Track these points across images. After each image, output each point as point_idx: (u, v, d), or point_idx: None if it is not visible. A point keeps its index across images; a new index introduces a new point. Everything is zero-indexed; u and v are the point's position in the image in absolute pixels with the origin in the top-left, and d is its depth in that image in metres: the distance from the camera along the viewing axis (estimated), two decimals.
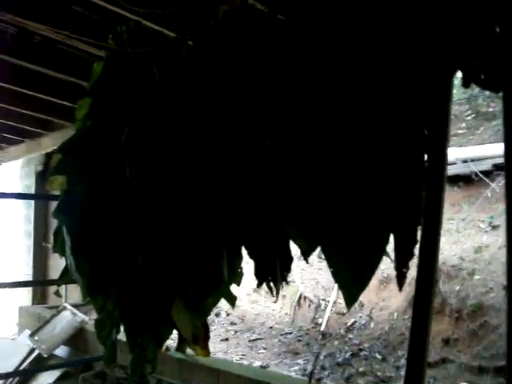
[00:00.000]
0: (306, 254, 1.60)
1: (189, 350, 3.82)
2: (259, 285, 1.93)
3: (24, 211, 9.32)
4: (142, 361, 2.16)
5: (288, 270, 1.89)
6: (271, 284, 1.90)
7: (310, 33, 1.66)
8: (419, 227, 1.48)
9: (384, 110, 1.52)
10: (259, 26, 2.15)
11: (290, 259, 1.89)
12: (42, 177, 2.24)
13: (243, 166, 1.81)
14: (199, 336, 2.19)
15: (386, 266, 6.07)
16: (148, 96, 2.25)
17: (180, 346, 2.26)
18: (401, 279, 1.50)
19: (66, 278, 2.50)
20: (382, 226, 1.53)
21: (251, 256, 1.93)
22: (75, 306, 6.62)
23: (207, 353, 2.24)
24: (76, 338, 5.81)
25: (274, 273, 1.88)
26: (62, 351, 5.88)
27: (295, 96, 1.62)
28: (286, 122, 1.60)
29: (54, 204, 8.26)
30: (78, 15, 4.09)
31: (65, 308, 6.39)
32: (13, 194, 8.06)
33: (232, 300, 2.29)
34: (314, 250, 1.59)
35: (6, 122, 7.44)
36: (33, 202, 8.82)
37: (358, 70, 1.59)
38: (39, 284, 8.58)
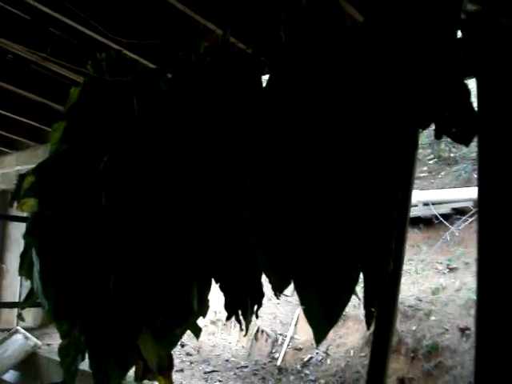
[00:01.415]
0: (277, 290, 1.64)
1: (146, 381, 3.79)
2: (229, 317, 1.95)
3: None
4: None
5: (259, 304, 1.93)
6: (240, 317, 1.93)
7: (292, 79, 1.74)
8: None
9: (359, 156, 1.59)
10: (239, 65, 2.22)
11: (262, 294, 1.93)
12: (13, 197, 2.22)
13: (219, 200, 1.85)
14: (164, 366, 2.19)
15: None
16: (126, 126, 2.28)
17: (144, 375, 2.25)
18: (369, 318, 1.55)
19: (30, 301, 2.47)
20: (353, 265, 1.59)
21: (222, 289, 1.96)
22: (28, 329, 6.48)
23: (170, 383, 2.24)
24: (27, 362, 5.67)
25: (244, 307, 1.91)
26: (11, 376, 5.72)
27: (275, 137, 1.68)
28: (266, 161, 1.65)
29: (12, 224, 8.10)
30: (57, 38, 4.11)
31: (17, 331, 6.24)
32: None
33: (197, 331, 2.30)
34: (286, 286, 1.63)
35: None
36: None
37: (333, 118, 1.66)
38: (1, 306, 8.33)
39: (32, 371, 5.50)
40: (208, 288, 2.08)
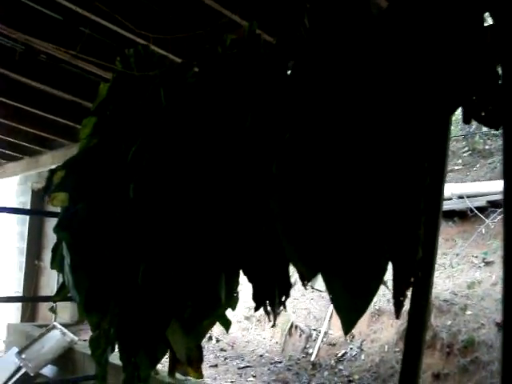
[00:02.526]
0: (305, 280, 1.62)
1: (178, 375, 3.82)
2: (257, 308, 1.94)
3: (18, 228, 9.30)
4: (134, 380, 2.16)
5: (287, 295, 1.91)
6: (269, 308, 1.91)
7: (316, 67, 1.71)
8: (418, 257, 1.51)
9: (386, 144, 1.56)
10: (265, 56, 2.21)
11: (289, 285, 1.91)
12: (44, 192, 2.25)
13: (246, 190, 1.84)
14: (193, 358, 2.19)
15: (378, 299, 6.07)
16: (154, 119, 2.29)
17: (173, 368, 2.26)
18: (398, 307, 1.52)
19: (62, 294, 2.51)
20: (381, 254, 1.56)
21: (250, 280, 1.95)
22: (65, 325, 6.58)
23: (200, 375, 2.24)
24: (64, 357, 5.76)
25: (272, 297, 1.90)
26: (49, 370, 5.82)
27: (300, 126, 1.66)
28: (292, 150, 1.64)
29: (48, 222, 8.26)
30: (86, 37, 4.15)
31: (54, 327, 6.35)
32: (9, 208, 8.07)
33: (227, 324, 2.30)
34: (314, 275, 1.61)
35: (6, 138, 7.49)
36: (27, 219, 8.82)
37: (360, 105, 1.63)
38: (34, 300, 8.53)
39: (69, 366, 5.59)
40: (236, 280, 2.07)
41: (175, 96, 2.34)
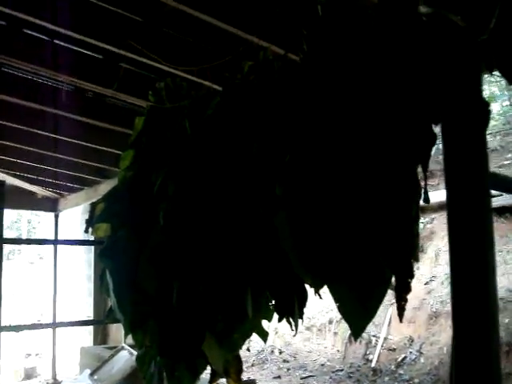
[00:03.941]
0: (316, 291, 1.75)
1: None
2: (280, 320, 2.08)
3: (85, 256, 9.76)
4: None
5: (303, 306, 2.05)
6: (290, 319, 2.05)
7: (310, 91, 1.85)
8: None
9: (378, 158, 1.67)
10: (278, 82, 2.35)
11: (306, 297, 2.04)
12: (87, 223, 2.47)
13: (257, 212, 1.99)
14: (230, 369, 2.34)
15: (435, 301, 6.04)
16: (179, 149, 2.47)
17: (213, 379, 2.41)
18: (400, 311, 1.62)
19: (111, 317, 2.71)
20: (383, 261, 1.67)
21: (272, 295, 2.10)
22: (133, 346, 6.86)
23: None
24: (132, 376, 6.02)
25: (292, 309, 2.03)
26: None
27: (299, 147, 1.79)
28: (292, 170, 1.77)
29: None
30: (125, 72, 4.43)
31: (123, 348, 6.65)
32: (73, 240, 8.50)
33: (264, 336, 2.44)
34: (322, 286, 1.73)
35: (67, 172, 7.94)
36: (93, 247, 9.24)
37: (366, 128, 1.75)
38: (87, 324, 8.92)
39: None
40: (263, 294, 2.21)
41: (197, 126, 2.51)
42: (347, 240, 1.70)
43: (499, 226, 6.34)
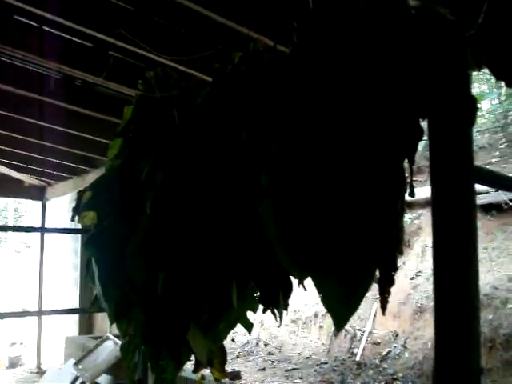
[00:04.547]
0: (300, 282, 1.76)
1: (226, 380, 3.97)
2: (264, 310, 2.09)
3: (71, 245, 9.72)
4: (162, 382, 2.34)
5: (288, 297, 2.05)
6: (275, 311, 2.06)
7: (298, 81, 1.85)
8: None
9: (365, 150, 1.68)
10: (268, 72, 2.34)
11: (291, 288, 2.05)
12: (73, 211, 2.46)
13: (242, 201, 1.99)
14: (214, 360, 2.35)
15: (420, 296, 6.09)
16: (167, 138, 2.47)
17: (197, 368, 2.42)
18: (384, 304, 1.63)
19: (96, 305, 2.70)
20: (368, 254, 1.67)
21: (257, 286, 2.11)
22: (118, 336, 6.86)
23: (223, 375, 2.40)
24: (117, 366, 6.03)
25: (276, 301, 2.04)
26: (103, 379, 6.11)
27: (287, 138, 1.79)
28: (279, 161, 1.77)
29: None
30: (114, 60, 4.41)
31: (108, 338, 6.65)
32: (60, 228, 8.45)
33: (248, 326, 2.44)
34: (306, 277, 1.74)
35: (54, 160, 7.89)
36: (80, 235, 9.20)
37: (352, 119, 1.75)
38: (72, 312, 8.89)
39: (121, 374, 5.85)
40: (248, 285, 2.22)
41: (186, 116, 2.51)
42: (332, 231, 1.70)
43: (485, 224, 6.40)
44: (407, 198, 1.71)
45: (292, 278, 2.00)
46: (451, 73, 1.63)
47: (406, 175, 1.67)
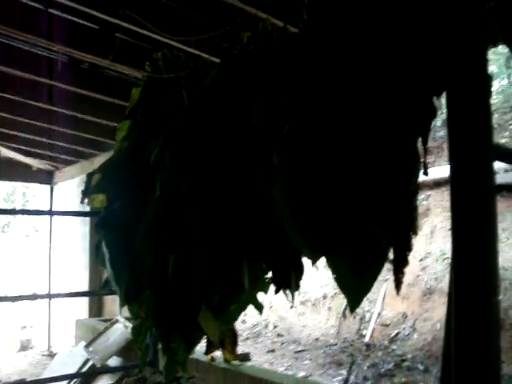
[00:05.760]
0: (313, 263, 1.74)
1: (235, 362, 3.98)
2: (277, 291, 2.08)
3: (80, 229, 9.74)
4: (174, 364, 2.34)
5: (300, 278, 2.04)
6: (287, 291, 2.05)
7: (310, 62, 1.82)
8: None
9: (378, 130, 1.65)
10: (278, 52, 2.31)
11: (302, 269, 2.04)
12: (83, 194, 2.46)
13: (255, 183, 1.97)
14: (226, 341, 2.35)
15: (429, 278, 6.07)
16: (176, 119, 2.45)
17: (208, 350, 2.42)
18: (398, 284, 1.61)
19: (106, 288, 2.71)
20: (382, 234, 1.66)
21: (268, 267, 2.09)
22: (128, 318, 6.90)
23: (235, 356, 2.40)
24: (127, 349, 6.06)
25: (288, 281, 2.03)
26: (114, 361, 6.14)
27: (299, 118, 1.77)
28: (291, 141, 1.75)
29: None
30: (122, 43, 4.37)
31: (118, 321, 6.68)
32: (69, 211, 8.46)
33: (259, 308, 2.44)
34: (319, 258, 1.72)
35: (62, 144, 7.88)
36: (88, 219, 9.21)
37: (354, 99, 1.72)
38: (82, 295, 8.91)
39: (131, 356, 5.88)
40: (260, 268, 2.21)
41: (195, 97, 2.48)
42: (345, 211, 1.68)
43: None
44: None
45: (304, 259, 1.98)
46: (470, 47, 1.59)
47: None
